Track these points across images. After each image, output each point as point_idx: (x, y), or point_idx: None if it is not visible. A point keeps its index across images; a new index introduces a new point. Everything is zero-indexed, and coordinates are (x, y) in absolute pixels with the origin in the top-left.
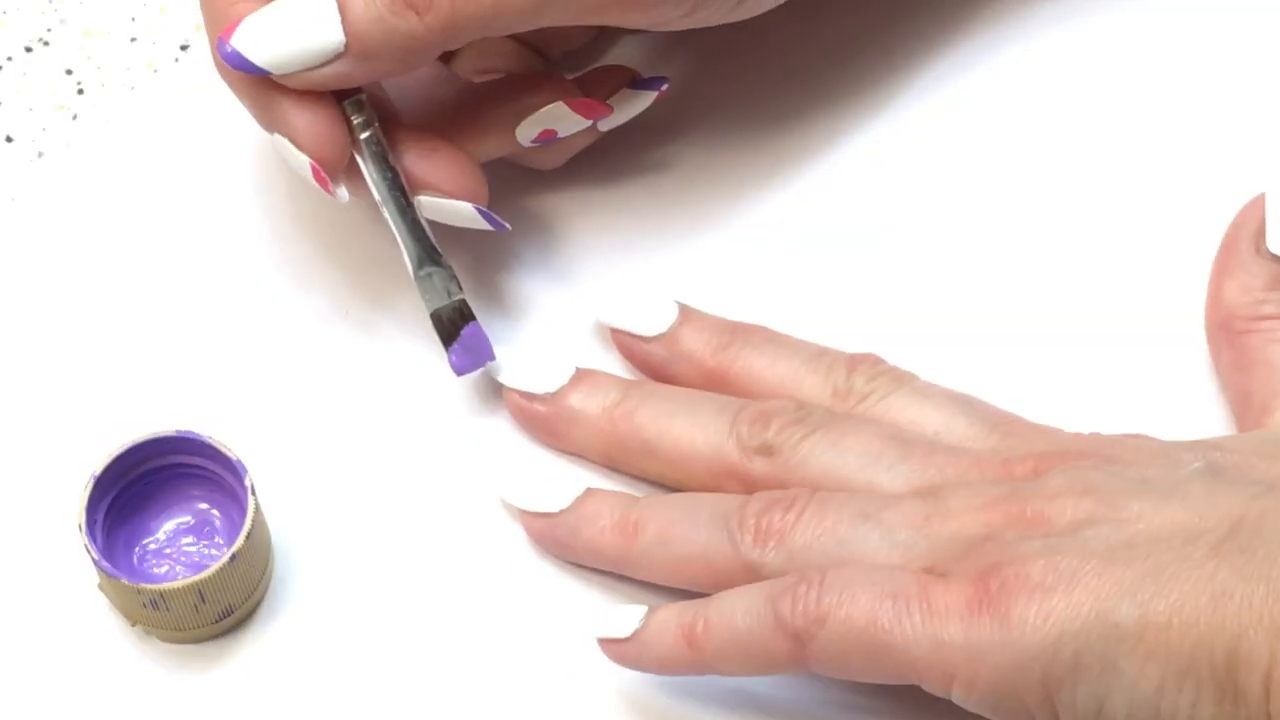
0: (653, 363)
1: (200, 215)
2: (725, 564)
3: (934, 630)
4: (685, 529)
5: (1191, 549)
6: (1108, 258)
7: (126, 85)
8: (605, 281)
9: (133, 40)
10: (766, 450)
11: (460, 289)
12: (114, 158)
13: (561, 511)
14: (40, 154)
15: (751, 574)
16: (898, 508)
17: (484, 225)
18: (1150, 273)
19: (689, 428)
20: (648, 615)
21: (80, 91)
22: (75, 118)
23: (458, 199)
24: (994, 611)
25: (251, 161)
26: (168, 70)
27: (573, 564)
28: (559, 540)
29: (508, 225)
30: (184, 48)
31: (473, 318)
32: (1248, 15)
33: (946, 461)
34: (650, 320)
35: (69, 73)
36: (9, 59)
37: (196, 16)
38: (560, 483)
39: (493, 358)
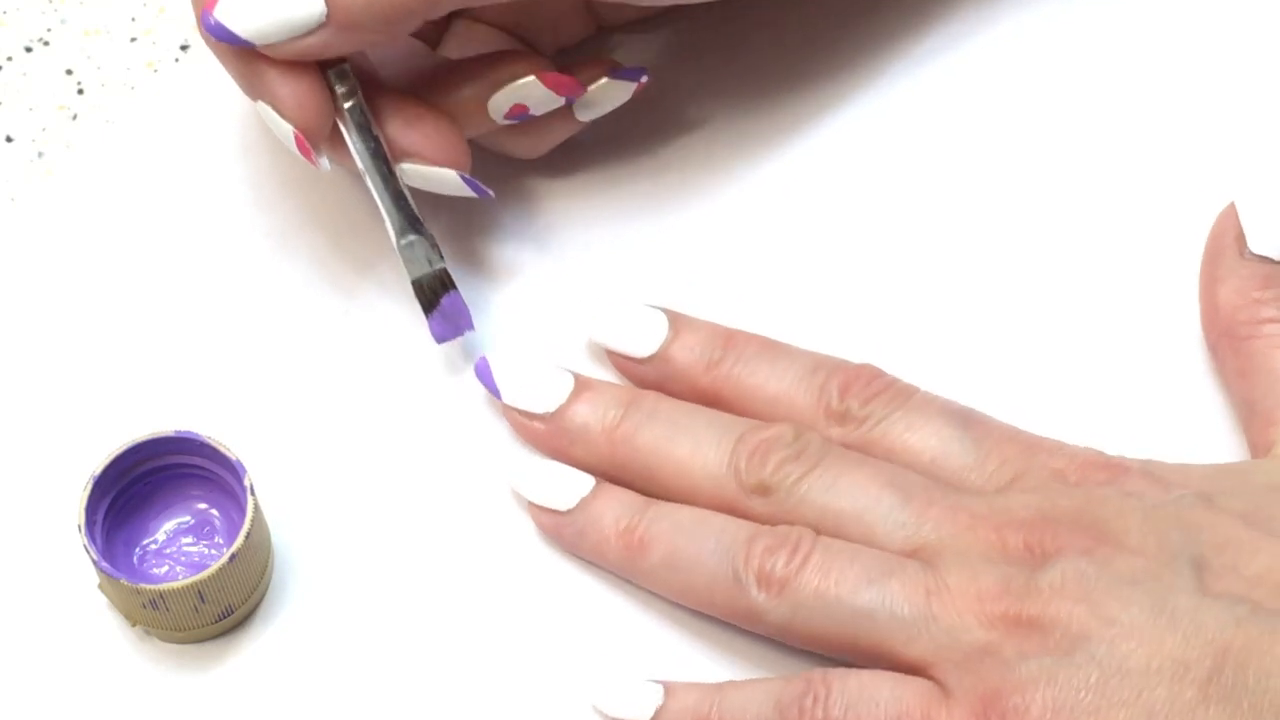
0: (649, 382)
1: (200, 215)
2: (730, 601)
3: None
4: (692, 556)
5: (1180, 687)
6: (1105, 257)
7: (126, 85)
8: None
9: (133, 40)
10: (764, 490)
11: (441, 258)
12: (114, 158)
13: (569, 511)
14: (40, 154)
15: (756, 617)
16: (901, 575)
17: (468, 192)
18: (1146, 270)
19: (688, 456)
20: (664, 700)
21: (80, 91)
22: (75, 118)
23: (441, 166)
24: None
25: (251, 161)
26: (168, 70)
27: (575, 563)
28: (567, 539)
29: (491, 192)
30: (184, 48)
31: (453, 286)
32: (1242, 5)
33: (942, 518)
34: (641, 340)
35: (69, 73)
36: (9, 59)
37: None
38: (569, 478)
39: (471, 327)
